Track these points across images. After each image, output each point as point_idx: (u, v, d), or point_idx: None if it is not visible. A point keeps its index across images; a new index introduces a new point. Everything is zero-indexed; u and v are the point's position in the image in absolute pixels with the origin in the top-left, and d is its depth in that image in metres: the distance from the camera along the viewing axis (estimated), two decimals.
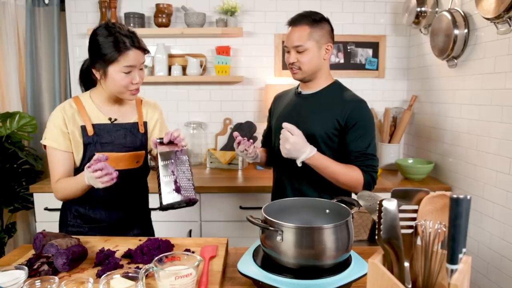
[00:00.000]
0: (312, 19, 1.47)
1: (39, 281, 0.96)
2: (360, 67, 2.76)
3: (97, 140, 1.42)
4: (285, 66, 2.79)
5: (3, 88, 2.64)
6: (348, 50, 2.75)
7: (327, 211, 1.17)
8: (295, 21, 1.49)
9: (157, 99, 2.77)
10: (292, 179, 1.57)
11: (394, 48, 2.77)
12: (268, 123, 1.80)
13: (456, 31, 2.00)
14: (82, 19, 2.72)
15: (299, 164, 1.39)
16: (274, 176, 1.73)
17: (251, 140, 1.54)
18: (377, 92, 2.80)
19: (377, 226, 0.68)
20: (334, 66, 2.76)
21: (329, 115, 1.48)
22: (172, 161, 1.27)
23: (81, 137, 1.41)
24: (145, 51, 1.37)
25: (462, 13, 2.00)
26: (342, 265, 1.04)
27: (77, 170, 1.44)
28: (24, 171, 2.50)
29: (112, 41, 1.30)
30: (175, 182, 1.25)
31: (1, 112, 2.51)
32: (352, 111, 1.46)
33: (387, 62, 2.78)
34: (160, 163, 1.26)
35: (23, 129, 2.43)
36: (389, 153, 2.60)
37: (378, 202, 0.68)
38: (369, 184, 1.44)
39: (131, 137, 1.47)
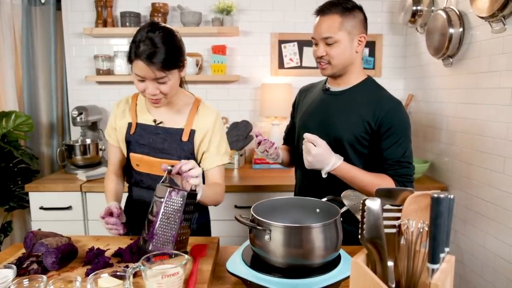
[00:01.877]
0: (343, 7, 1.32)
1: (27, 280, 0.96)
2: None
3: (136, 140, 1.39)
4: (281, 65, 2.79)
5: (0, 87, 2.64)
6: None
7: (317, 210, 1.17)
8: (324, 10, 1.34)
9: None
10: (315, 184, 1.46)
11: (391, 47, 2.76)
12: (292, 119, 1.66)
13: (451, 30, 2.00)
14: (78, 18, 2.72)
15: (324, 175, 1.30)
16: (296, 177, 1.60)
17: (272, 141, 1.43)
18: None
19: (360, 226, 0.68)
20: None
21: (359, 117, 1.34)
22: (163, 200, 1.04)
23: (125, 134, 1.42)
24: (161, 68, 1.20)
25: (457, 12, 2.00)
26: (331, 264, 1.04)
27: (126, 162, 1.48)
28: (20, 170, 2.50)
29: (133, 43, 1.22)
30: (152, 226, 1.04)
31: None
32: (386, 113, 1.31)
33: (383, 61, 2.77)
34: (154, 196, 1.08)
35: (19, 128, 2.43)
36: None
37: (361, 201, 0.68)
38: None
39: (170, 143, 1.37)
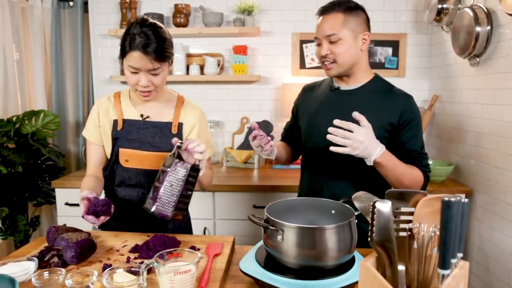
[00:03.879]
0: (346, 6, 1.32)
1: (47, 272, 1.00)
2: (379, 66, 2.71)
3: (124, 135, 1.41)
4: (303, 65, 2.77)
5: (30, 87, 2.75)
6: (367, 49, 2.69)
7: (333, 211, 1.16)
8: (327, 9, 1.34)
9: None
10: (330, 180, 1.42)
11: (415, 46, 2.70)
12: (292, 116, 1.63)
13: (478, 28, 1.93)
14: (104, 20, 2.79)
15: (372, 163, 1.22)
16: (305, 178, 1.55)
17: (268, 137, 1.38)
18: None
19: (369, 228, 0.67)
20: None
21: (379, 116, 1.32)
22: (169, 169, 1.18)
23: (111, 131, 1.42)
24: (157, 58, 1.27)
25: (485, 10, 1.93)
26: (345, 266, 1.02)
27: (107, 167, 1.46)
28: (48, 167, 2.60)
29: (127, 36, 1.28)
30: (157, 190, 1.17)
31: (28, 110, 2.62)
32: (405, 108, 1.32)
33: (407, 60, 2.71)
34: (162, 166, 1.21)
35: (47, 126, 2.52)
36: None
37: (372, 203, 0.66)
38: (426, 185, 1.34)
39: (160, 137, 1.42)
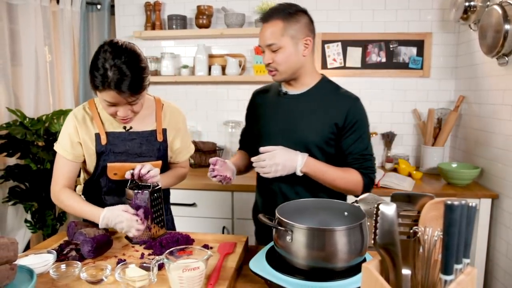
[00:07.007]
0: (286, 12, 1.30)
1: (64, 265, 1.04)
2: (403, 66, 2.64)
3: (110, 149, 1.34)
4: (324, 66, 2.75)
5: (60, 87, 2.86)
6: (391, 49, 2.64)
7: (346, 213, 1.14)
8: (267, 17, 1.32)
9: (197, 98, 2.89)
10: (282, 183, 1.41)
11: (441, 46, 2.62)
12: (246, 123, 1.62)
13: (507, 26, 1.85)
14: (130, 22, 2.87)
15: (300, 173, 1.29)
16: (261, 183, 1.53)
17: (226, 174, 1.34)
18: (421, 93, 2.66)
19: (373, 231, 0.66)
20: (376, 66, 2.67)
21: (325, 119, 1.34)
22: (131, 201, 1.26)
23: (94, 145, 1.34)
24: (133, 94, 1.19)
25: None
26: (356, 269, 1.01)
27: (91, 179, 1.40)
28: None
29: (99, 71, 1.16)
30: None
31: (57, 109, 2.72)
32: (349, 110, 1.33)
33: (432, 60, 2.63)
34: (125, 199, 1.29)
35: None
36: (432, 157, 2.47)
37: (375, 206, 0.65)
38: (368, 186, 1.36)
39: (147, 146, 1.39)
